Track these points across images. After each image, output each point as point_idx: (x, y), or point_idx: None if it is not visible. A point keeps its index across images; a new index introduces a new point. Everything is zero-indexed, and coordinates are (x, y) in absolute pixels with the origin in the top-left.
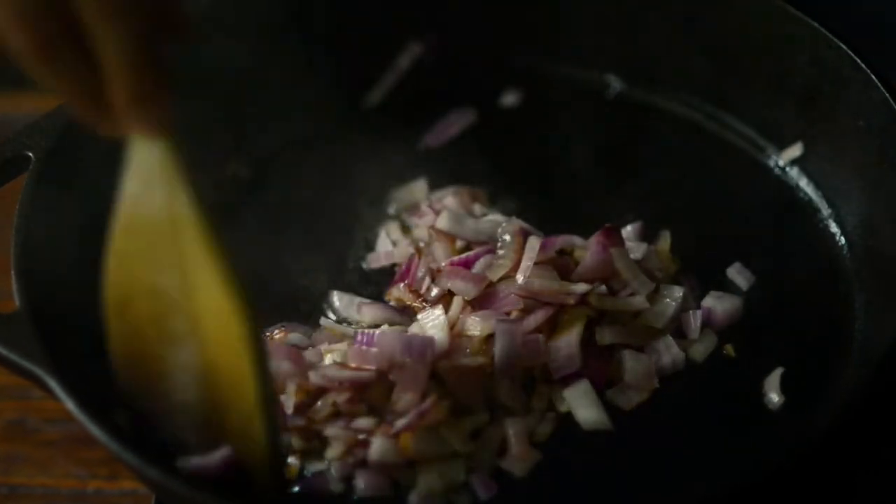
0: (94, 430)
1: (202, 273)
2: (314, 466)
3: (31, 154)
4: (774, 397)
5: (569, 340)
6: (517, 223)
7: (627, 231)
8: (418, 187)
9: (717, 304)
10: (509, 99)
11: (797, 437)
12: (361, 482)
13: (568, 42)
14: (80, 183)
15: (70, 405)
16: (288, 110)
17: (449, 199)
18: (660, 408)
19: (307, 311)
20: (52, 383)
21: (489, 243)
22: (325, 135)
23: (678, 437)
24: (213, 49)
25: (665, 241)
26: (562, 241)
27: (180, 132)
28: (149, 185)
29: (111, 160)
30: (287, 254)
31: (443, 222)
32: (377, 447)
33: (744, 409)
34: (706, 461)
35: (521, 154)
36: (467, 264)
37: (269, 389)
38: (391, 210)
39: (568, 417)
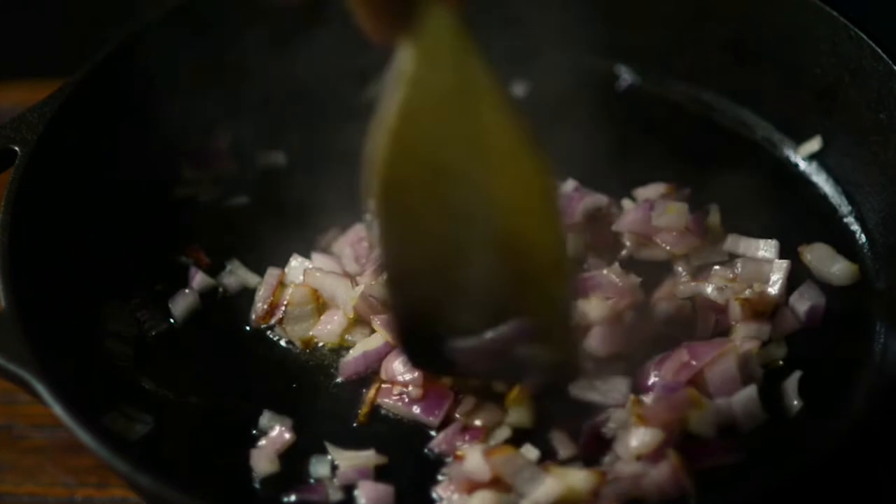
0: (84, 437)
1: (499, 139)
2: None
3: (16, 148)
4: (794, 401)
5: None
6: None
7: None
8: None
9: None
10: (516, 90)
11: (817, 441)
12: (363, 495)
13: (576, 31)
14: (70, 177)
15: (58, 410)
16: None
17: None
18: None
19: None
20: (40, 387)
21: None
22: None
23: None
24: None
25: (715, 214)
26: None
27: None
28: (437, 62)
29: (102, 155)
30: None
31: None
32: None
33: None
34: (727, 466)
35: None
36: None
37: (569, 257)
38: None
39: None
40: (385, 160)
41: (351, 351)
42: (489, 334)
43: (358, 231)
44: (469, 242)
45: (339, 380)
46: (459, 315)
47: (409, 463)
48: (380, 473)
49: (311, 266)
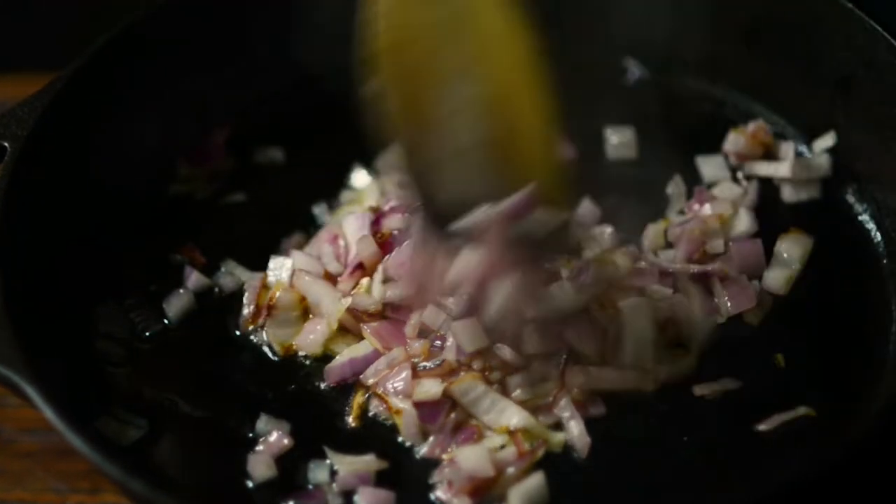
0: (75, 441)
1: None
2: None
3: (6, 144)
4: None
5: None
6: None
7: None
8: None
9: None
10: None
11: (836, 443)
12: (363, 501)
13: (583, 23)
14: (61, 174)
15: (49, 414)
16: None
17: None
18: (698, 407)
19: None
20: (30, 390)
21: None
22: None
23: (719, 439)
24: None
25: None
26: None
27: None
28: None
29: (94, 152)
30: None
31: None
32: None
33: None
34: (747, 465)
35: None
36: None
37: (551, 110)
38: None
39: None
40: (382, 15)
41: (338, 357)
42: (494, 208)
43: (332, 229)
44: (466, 101)
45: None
46: (463, 184)
47: (409, 466)
48: (380, 478)
49: (292, 267)
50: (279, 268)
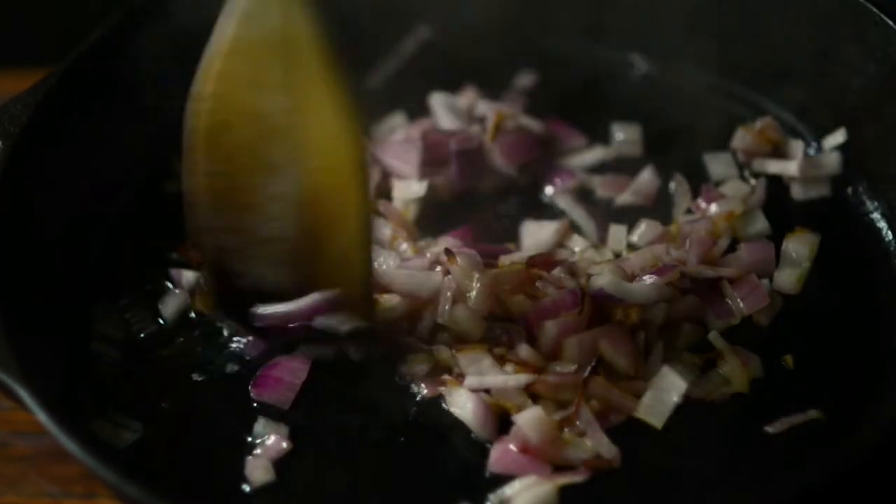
0: (69, 444)
1: (316, 95)
2: None
3: None
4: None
5: None
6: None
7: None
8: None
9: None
10: (524, 81)
11: (847, 447)
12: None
13: (587, 18)
14: (55, 172)
15: (42, 417)
16: None
17: None
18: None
19: None
20: (23, 392)
21: None
22: None
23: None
24: None
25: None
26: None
27: None
28: (265, 4)
29: (89, 149)
30: None
31: None
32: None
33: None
34: (755, 467)
35: None
36: None
37: (370, 220)
38: None
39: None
40: (210, 95)
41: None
42: (292, 305)
43: None
44: (277, 195)
45: (338, 384)
46: (265, 272)
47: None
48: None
49: None
50: None
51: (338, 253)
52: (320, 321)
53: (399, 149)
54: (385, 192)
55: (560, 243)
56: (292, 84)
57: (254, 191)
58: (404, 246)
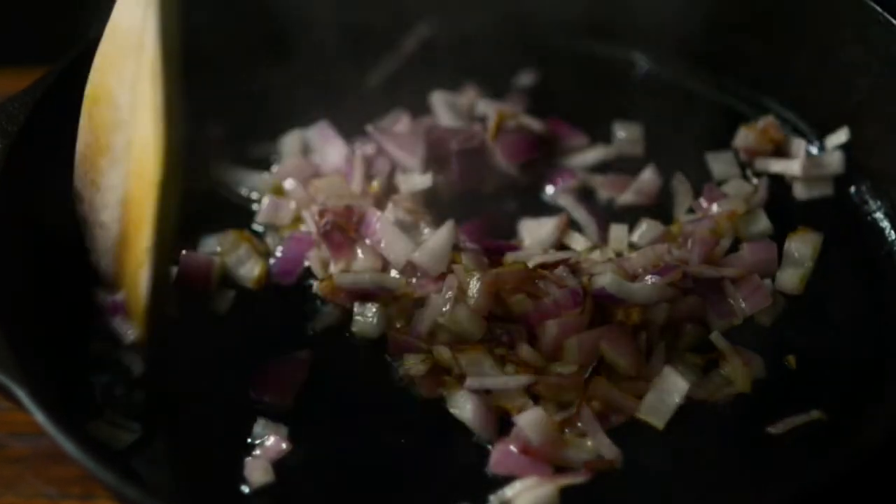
0: (67, 446)
1: (144, 101)
2: None
3: None
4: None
5: None
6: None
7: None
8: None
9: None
10: (525, 80)
11: (849, 448)
12: None
13: (589, 16)
14: (54, 170)
15: (40, 417)
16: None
17: None
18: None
19: None
20: (20, 393)
21: None
22: None
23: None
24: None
25: None
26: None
27: None
28: (131, 16)
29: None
30: None
31: None
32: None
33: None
34: (757, 468)
35: None
36: None
37: (164, 252)
38: None
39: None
40: (94, 66)
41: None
42: (107, 297)
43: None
44: (111, 185)
45: (338, 384)
46: (99, 256)
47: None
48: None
49: None
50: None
51: (133, 264)
52: (117, 322)
53: (404, 140)
54: (393, 188)
55: (560, 239)
56: (136, 84)
57: (100, 172)
58: (427, 231)
